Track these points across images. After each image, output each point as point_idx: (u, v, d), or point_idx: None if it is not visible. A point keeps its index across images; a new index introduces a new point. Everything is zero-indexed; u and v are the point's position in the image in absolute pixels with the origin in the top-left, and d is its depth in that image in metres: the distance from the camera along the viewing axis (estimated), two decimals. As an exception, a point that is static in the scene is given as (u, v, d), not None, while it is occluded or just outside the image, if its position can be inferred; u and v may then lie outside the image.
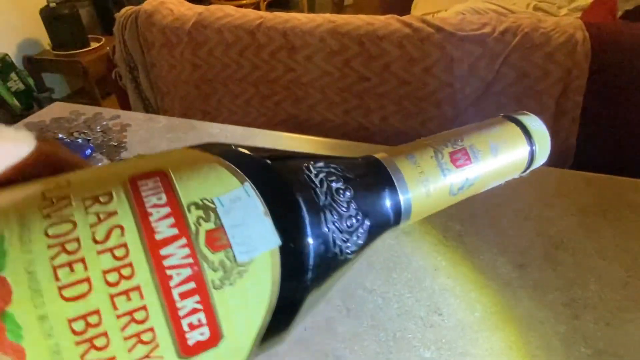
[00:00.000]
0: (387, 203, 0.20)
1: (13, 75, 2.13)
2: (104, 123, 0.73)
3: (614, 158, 1.01)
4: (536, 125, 0.24)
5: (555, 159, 1.09)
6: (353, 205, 0.19)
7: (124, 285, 0.14)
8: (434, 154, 0.21)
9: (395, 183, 0.20)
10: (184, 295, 0.15)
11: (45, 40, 2.27)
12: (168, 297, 0.15)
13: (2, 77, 2.08)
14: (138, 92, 1.42)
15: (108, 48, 1.40)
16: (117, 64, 1.37)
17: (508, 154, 0.23)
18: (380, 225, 0.20)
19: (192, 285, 0.15)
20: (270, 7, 3.29)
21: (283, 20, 1.14)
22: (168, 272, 0.15)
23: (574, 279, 0.43)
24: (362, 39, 1.09)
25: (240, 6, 1.60)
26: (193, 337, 0.15)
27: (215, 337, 0.16)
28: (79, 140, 0.68)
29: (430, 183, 0.21)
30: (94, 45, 2.25)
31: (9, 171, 0.19)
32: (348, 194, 0.19)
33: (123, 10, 1.29)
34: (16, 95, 2.15)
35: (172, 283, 0.15)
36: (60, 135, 0.69)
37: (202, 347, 0.15)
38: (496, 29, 1.04)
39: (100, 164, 0.64)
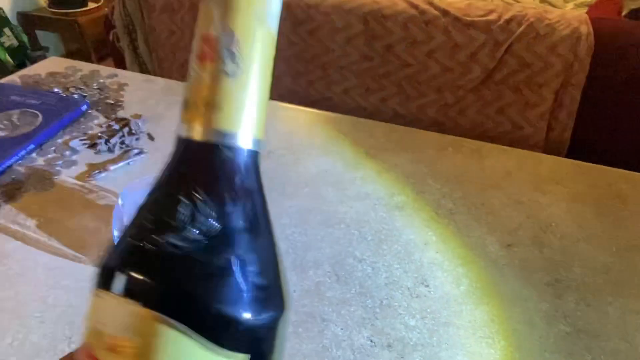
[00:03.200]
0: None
1: (7, 30, 2.08)
2: (101, 81, 0.72)
3: (606, 153, 1.02)
4: None
5: (549, 153, 1.10)
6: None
7: None
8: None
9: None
10: None
11: (41, -3, 2.21)
12: None
13: (-5, 31, 2.03)
14: (135, 56, 1.40)
15: (107, 9, 1.37)
16: (115, 24, 1.34)
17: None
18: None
19: None
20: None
21: (288, -8, 1.12)
22: None
23: (559, 261, 0.44)
24: (367, 18, 1.08)
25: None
26: None
27: None
28: (75, 95, 0.67)
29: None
30: (92, 5, 2.20)
31: None
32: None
33: (125, -30, 1.26)
34: (9, 51, 2.10)
35: None
36: (55, 89, 0.68)
37: None
38: (502, 17, 1.03)
39: (95, 121, 0.63)
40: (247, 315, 0.16)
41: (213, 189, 0.17)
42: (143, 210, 0.17)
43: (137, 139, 0.58)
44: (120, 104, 0.66)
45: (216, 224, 0.16)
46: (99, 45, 2.13)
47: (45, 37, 2.30)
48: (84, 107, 0.64)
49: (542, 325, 0.38)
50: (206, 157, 0.17)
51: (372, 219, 0.49)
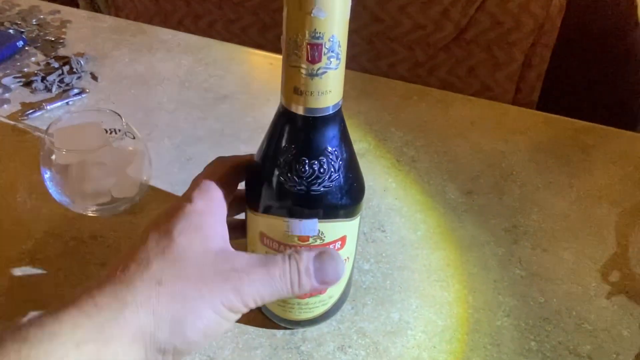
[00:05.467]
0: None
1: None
2: (42, 17, 0.65)
3: (572, 115, 1.02)
4: None
5: (516, 114, 1.09)
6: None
7: None
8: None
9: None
10: None
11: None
12: None
13: None
14: (90, 2, 1.30)
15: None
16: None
17: None
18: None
19: None
20: None
21: None
22: None
23: (518, 208, 0.43)
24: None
25: None
26: None
27: None
28: (10, 30, 0.61)
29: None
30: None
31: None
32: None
33: None
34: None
35: None
36: (-12, 24, 0.62)
37: None
38: (476, -29, 1.00)
39: (33, 59, 0.57)
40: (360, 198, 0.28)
41: (339, 142, 0.25)
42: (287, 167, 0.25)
43: (78, 78, 0.54)
44: (61, 41, 0.60)
45: (339, 168, 0.25)
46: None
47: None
48: (20, 43, 0.58)
49: (497, 269, 0.38)
50: (327, 124, 0.24)
51: (331, 166, 0.47)
